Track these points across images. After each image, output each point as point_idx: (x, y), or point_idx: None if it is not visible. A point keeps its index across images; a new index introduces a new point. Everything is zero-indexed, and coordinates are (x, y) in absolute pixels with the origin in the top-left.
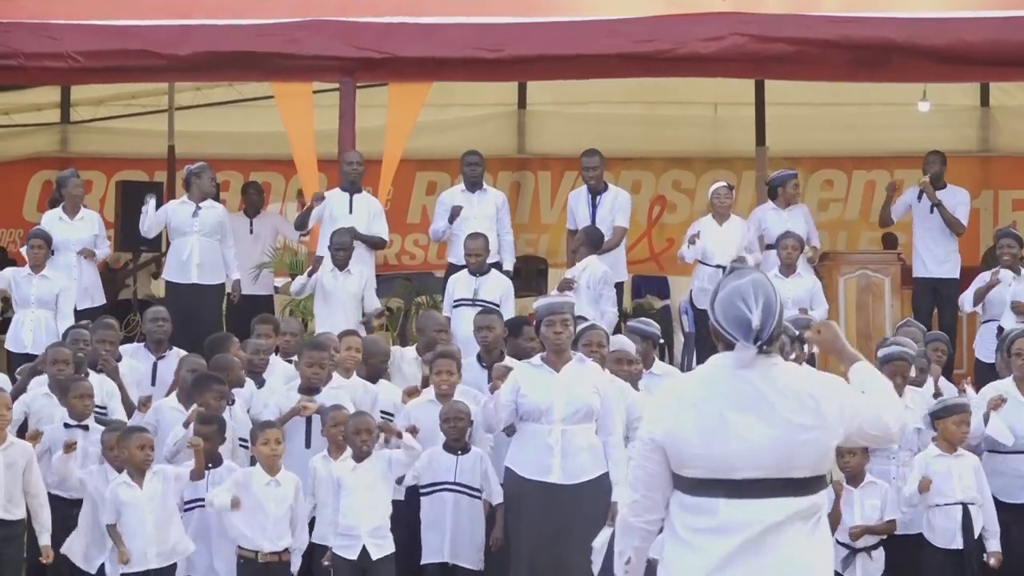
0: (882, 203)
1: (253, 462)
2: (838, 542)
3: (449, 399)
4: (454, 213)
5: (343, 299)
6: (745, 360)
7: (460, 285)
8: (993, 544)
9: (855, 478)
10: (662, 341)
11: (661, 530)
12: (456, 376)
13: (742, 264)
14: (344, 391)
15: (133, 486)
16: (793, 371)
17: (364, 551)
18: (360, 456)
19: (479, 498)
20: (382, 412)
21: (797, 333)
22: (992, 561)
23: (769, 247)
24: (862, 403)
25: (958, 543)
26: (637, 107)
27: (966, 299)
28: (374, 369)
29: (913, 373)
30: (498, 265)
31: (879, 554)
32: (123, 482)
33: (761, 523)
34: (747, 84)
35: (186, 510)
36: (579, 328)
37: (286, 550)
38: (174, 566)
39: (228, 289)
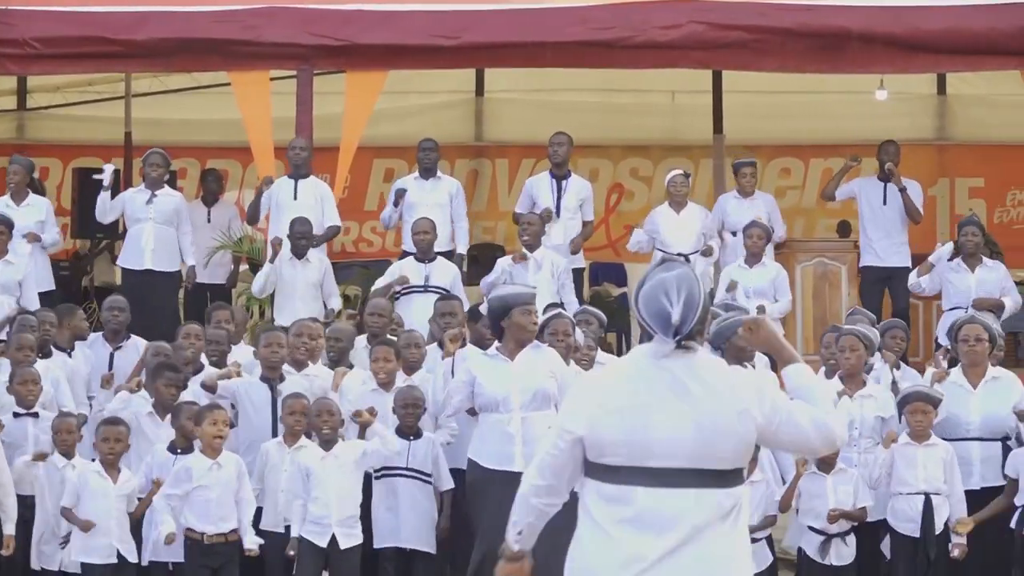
0: (833, 176)
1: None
2: (812, 529)
3: (390, 387)
4: (397, 196)
5: (302, 288)
6: (663, 352)
7: (409, 272)
8: (958, 536)
9: (828, 464)
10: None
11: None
12: (394, 363)
13: (709, 255)
14: (305, 379)
15: (106, 478)
16: (714, 363)
17: (333, 540)
18: (324, 440)
19: (431, 483)
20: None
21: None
22: (956, 552)
23: (732, 235)
24: (784, 405)
25: (917, 531)
26: (595, 94)
27: (911, 277)
28: (341, 353)
29: (875, 361)
30: (451, 252)
31: (851, 539)
32: (95, 471)
33: (679, 518)
34: (705, 72)
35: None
36: (546, 316)
37: (233, 531)
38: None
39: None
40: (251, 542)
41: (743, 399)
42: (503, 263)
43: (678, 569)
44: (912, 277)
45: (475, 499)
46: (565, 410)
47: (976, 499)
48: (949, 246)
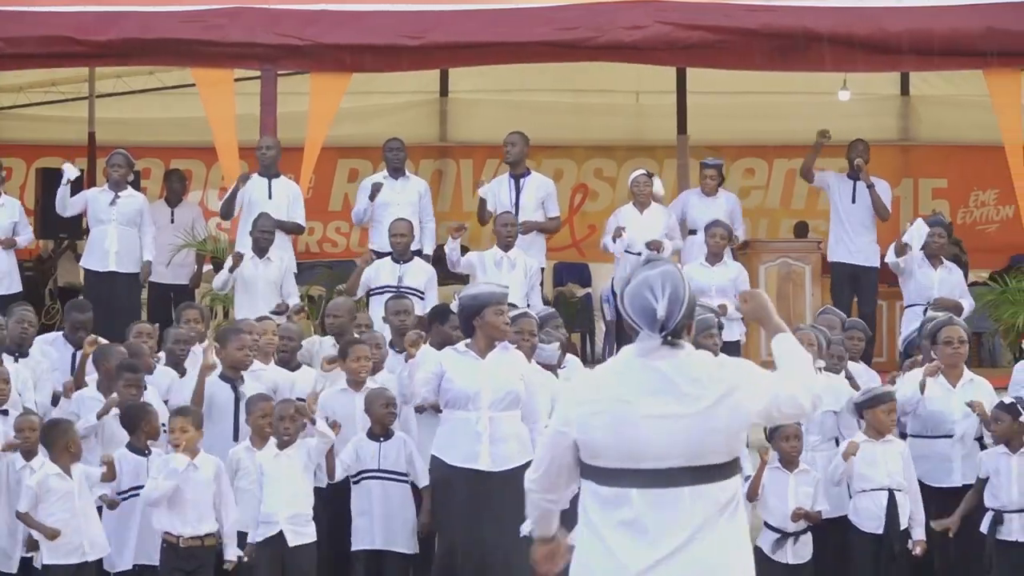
0: (807, 155)
1: None
2: (769, 526)
3: (361, 386)
4: (374, 190)
5: (263, 287)
6: (650, 349)
7: (383, 272)
8: (918, 532)
9: (791, 463)
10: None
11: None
12: (370, 363)
13: (657, 249)
14: (264, 378)
15: (65, 478)
16: (702, 358)
17: (280, 536)
18: (283, 443)
19: (406, 482)
20: (297, 399)
21: (718, 320)
22: (917, 550)
23: (692, 233)
24: (773, 383)
25: (882, 528)
26: (559, 95)
27: (890, 256)
28: (291, 352)
29: (822, 363)
30: (419, 252)
31: (807, 538)
32: (54, 473)
33: (676, 519)
34: (669, 72)
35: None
36: (511, 315)
37: (209, 535)
38: (99, 563)
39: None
40: (232, 554)
41: (734, 388)
42: (472, 256)
43: (677, 572)
44: (890, 256)
45: (439, 496)
46: (557, 411)
47: (956, 496)
48: (919, 223)
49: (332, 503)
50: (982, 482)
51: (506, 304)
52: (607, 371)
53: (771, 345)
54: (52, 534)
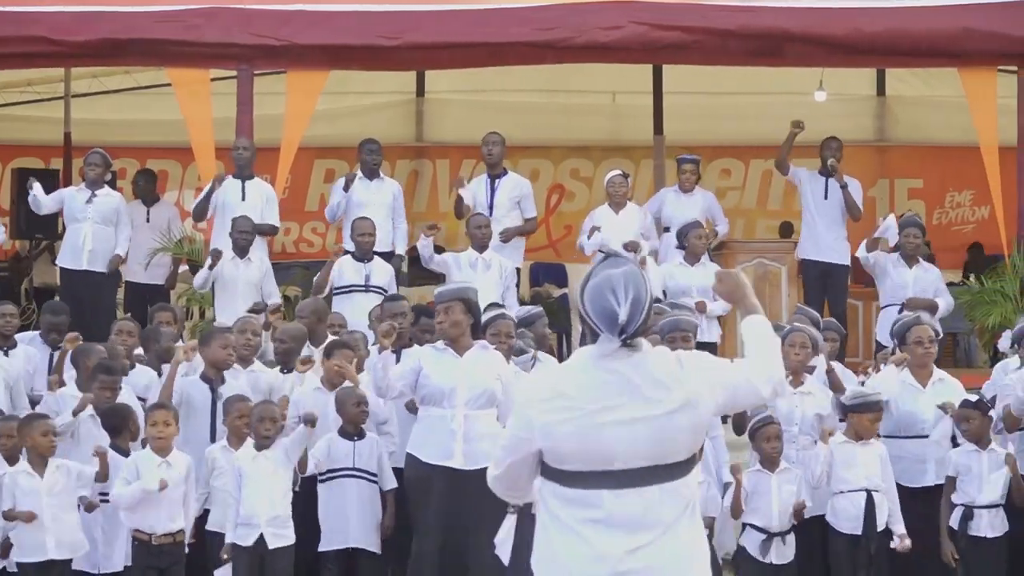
0: (782, 144)
1: None
2: (755, 527)
3: (336, 388)
4: (348, 181)
5: (243, 287)
6: (607, 351)
7: (348, 271)
8: (899, 529)
9: (773, 463)
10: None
11: None
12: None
13: (635, 250)
14: (251, 375)
15: (33, 475)
16: (658, 355)
17: (261, 539)
18: (261, 445)
19: (376, 483)
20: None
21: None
22: (906, 542)
23: (666, 230)
24: (734, 373)
25: (859, 529)
26: (536, 95)
27: (860, 251)
28: (287, 354)
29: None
30: (391, 252)
31: (791, 539)
32: (23, 471)
33: (648, 515)
34: (645, 73)
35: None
36: (489, 316)
37: (180, 531)
38: (70, 561)
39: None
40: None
41: (694, 385)
42: (447, 256)
43: (651, 562)
44: (861, 251)
45: (414, 495)
46: (518, 419)
47: (930, 496)
48: (891, 219)
49: (297, 504)
50: (951, 481)
51: (445, 303)
52: (566, 375)
53: (741, 325)
54: (28, 517)
